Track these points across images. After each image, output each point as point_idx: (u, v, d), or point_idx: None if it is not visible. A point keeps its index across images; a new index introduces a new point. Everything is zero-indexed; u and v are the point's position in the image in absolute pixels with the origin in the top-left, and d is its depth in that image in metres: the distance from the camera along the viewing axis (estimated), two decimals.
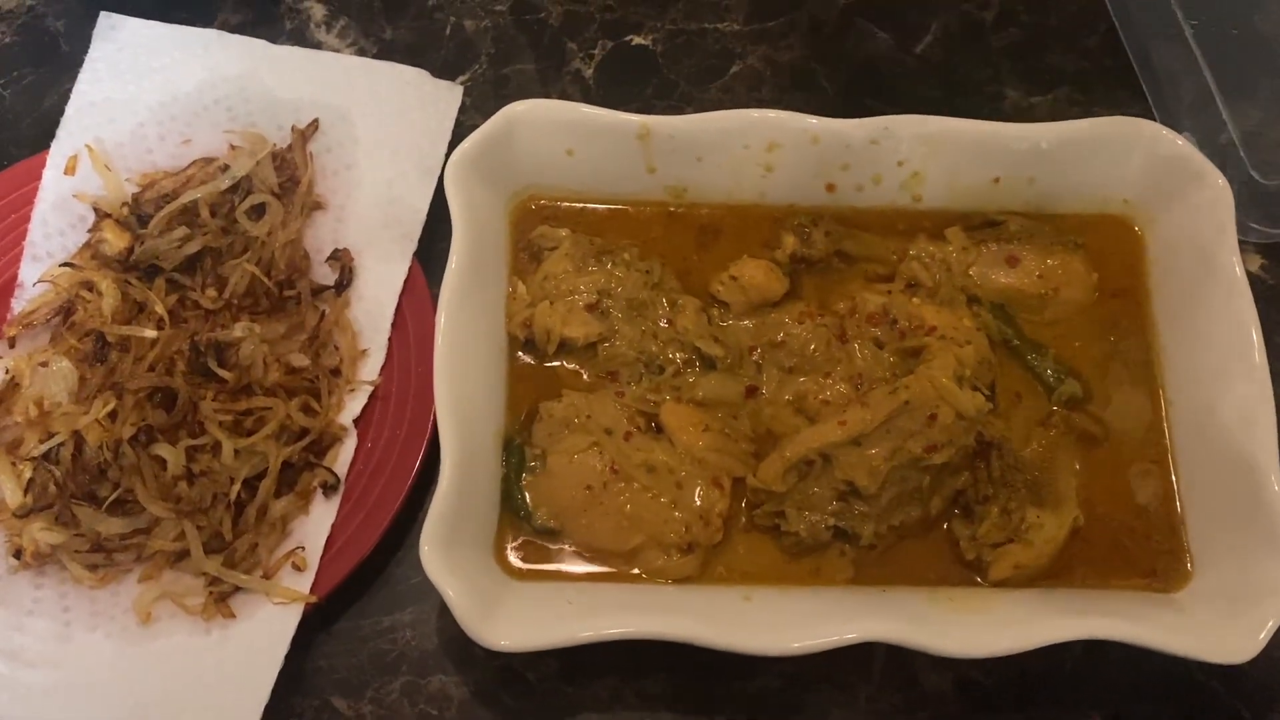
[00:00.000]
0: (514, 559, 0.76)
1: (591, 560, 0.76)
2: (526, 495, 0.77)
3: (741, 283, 0.83)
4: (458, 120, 0.93)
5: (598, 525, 0.76)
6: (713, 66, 1.00)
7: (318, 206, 0.90)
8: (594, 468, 0.76)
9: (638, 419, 0.79)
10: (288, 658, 0.76)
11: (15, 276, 0.87)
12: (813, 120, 0.82)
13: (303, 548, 0.78)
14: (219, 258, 0.86)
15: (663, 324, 0.81)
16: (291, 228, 0.87)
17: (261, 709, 0.73)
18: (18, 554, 0.77)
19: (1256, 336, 0.76)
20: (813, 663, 0.69)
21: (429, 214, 0.89)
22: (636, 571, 0.76)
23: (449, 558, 0.69)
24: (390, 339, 0.85)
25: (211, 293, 0.85)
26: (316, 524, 0.79)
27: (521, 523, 0.76)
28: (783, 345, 0.81)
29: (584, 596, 0.73)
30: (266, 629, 0.76)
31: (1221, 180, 0.80)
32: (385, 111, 0.92)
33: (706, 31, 1.01)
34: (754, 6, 1.02)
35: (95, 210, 0.88)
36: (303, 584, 0.77)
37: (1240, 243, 0.79)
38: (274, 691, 0.76)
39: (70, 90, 0.92)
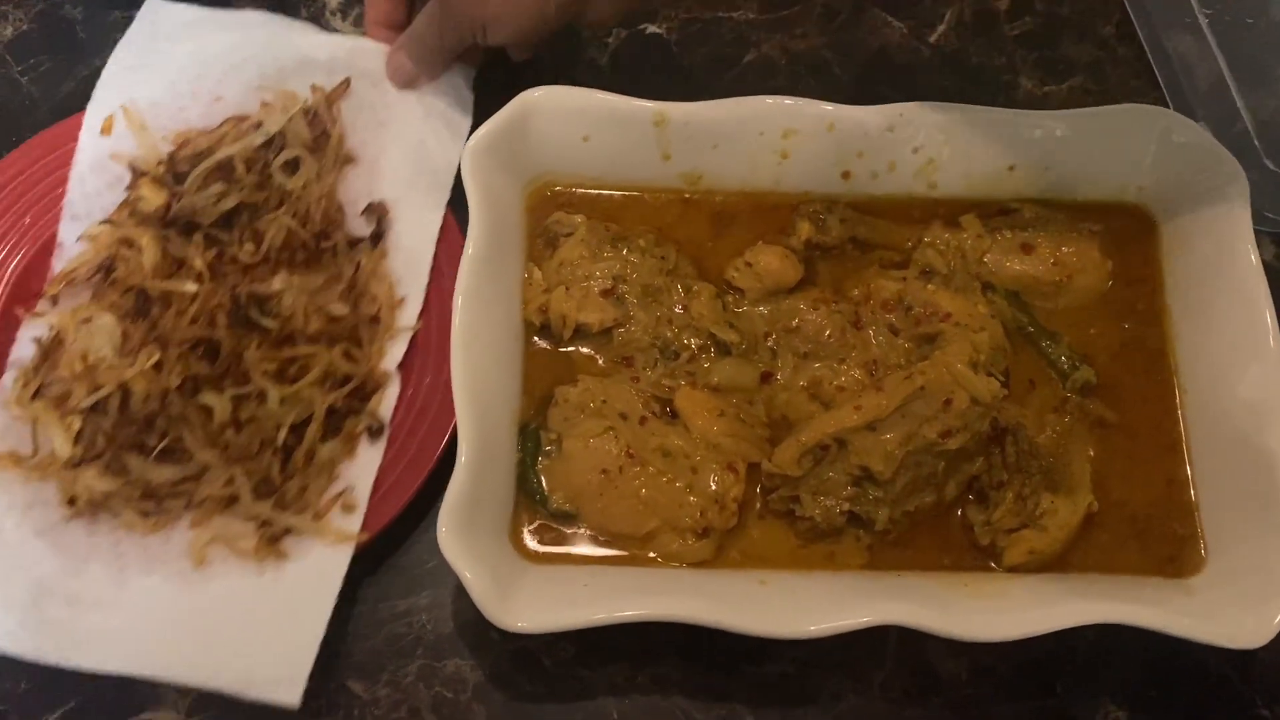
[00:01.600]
0: (530, 542, 0.76)
1: (607, 544, 0.76)
2: (542, 479, 0.77)
3: (756, 269, 0.83)
4: (475, 109, 0.93)
5: (613, 509, 0.76)
6: (727, 55, 1.00)
7: (349, 161, 0.90)
8: (609, 452, 0.76)
9: (653, 404, 0.79)
10: None
11: (55, 236, 0.88)
12: (829, 107, 0.82)
13: (351, 488, 0.79)
14: (255, 213, 0.87)
15: (678, 310, 0.81)
16: (325, 181, 0.88)
17: (317, 645, 0.74)
18: (71, 502, 0.79)
19: (1272, 324, 0.76)
20: (825, 648, 0.69)
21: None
22: (652, 555, 0.76)
23: (466, 541, 0.69)
24: (428, 289, 0.86)
25: (249, 247, 0.86)
26: (363, 467, 0.80)
27: (537, 506, 0.77)
28: (797, 331, 0.81)
29: (599, 579, 0.74)
30: (319, 568, 0.77)
31: (1238, 168, 0.80)
32: None
33: (720, 20, 1.02)
34: None
35: (132, 169, 0.89)
36: (352, 524, 0.78)
37: (1255, 231, 0.79)
38: None
39: (86, 77, 0.93)
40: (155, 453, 0.78)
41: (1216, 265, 0.80)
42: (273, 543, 0.78)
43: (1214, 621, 0.70)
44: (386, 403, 0.82)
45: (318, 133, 0.90)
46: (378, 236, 0.87)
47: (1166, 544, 0.77)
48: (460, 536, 0.69)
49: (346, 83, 0.92)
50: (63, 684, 0.77)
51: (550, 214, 0.85)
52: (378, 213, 0.88)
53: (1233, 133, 0.92)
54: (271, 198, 0.87)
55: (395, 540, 0.81)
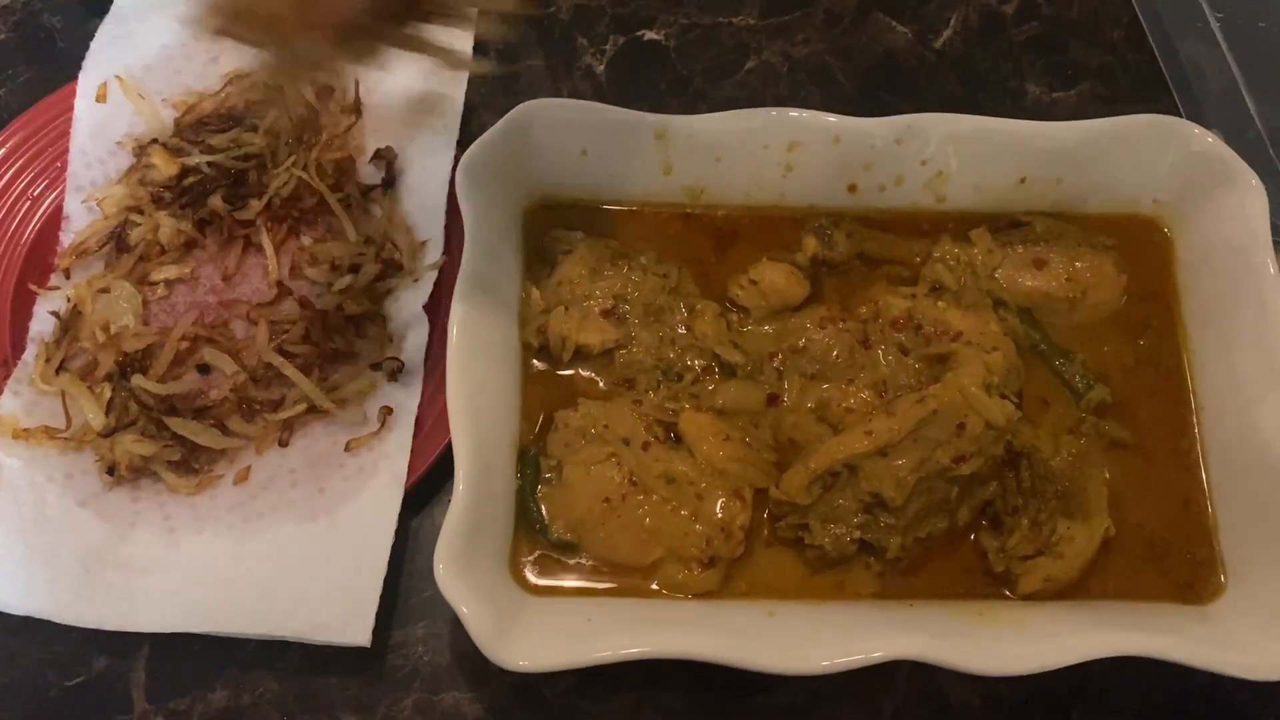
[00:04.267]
0: (530, 574, 0.74)
1: (610, 575, 0.74)
2: (542, 508, 0.75)
3: (761, 287, 0.81)
4: (467, 120, 0.90)
5: (616, 538, 0.74)
6: (728, 62, 0.98)
7: (355, 111, 0.90)
8: (612, 479, 0.74)
9: (656, 428, 0.76)
10: (298, 677, 0.75)
11: (60, 208, 0.87)
12: (834, 119, 0.80)
13: (390, 409, 0.80)
14: (264, 173, 0.87)
15: (680, 330, 0.79)
16: (333, 133, 0.89)
17: (380, 583, 0.74)
18: (111, 470, 0.78)
19: None
20: (837, 677, 0.67)
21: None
22: (656, 586, 0.73)
23: (464, 575, 0.67)
24: (447, 227, 0.85)
25: (254, 203, 0.86)
26: (402, 407, 0.80)
27: (537, 536, 0.74)
28: (804, 351, 0.79)
29: (602, 612, 0.71)
30: (371, 508, 0.77)
31: (1255, 180, 0.78)
32: None
33: (720, 26, 0.99)
34: (769, 0, 1.00)
35: (137, 149, 0.88)
36: (400, 461, 0.78)
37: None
38: (285, 709, 0.75)
39: (66, 88, 0.90)
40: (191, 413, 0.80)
41: (1234, 279, 0.78)
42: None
43: (1234, 651, 0.67)
44: (416, 343, 0.82)
45: (320, 85, 0.90)
46: (390, 183, 0.88)
47: (1185, 569, 0.75)
48: (458, 570, 0.67)
49: None
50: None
51: (548, 231, 0.82)
52: (387, 158, 0.88)
53: (1245, 139, 0.90)
54: (281, 153, 0.88)
55: (390, 566, 0.78)
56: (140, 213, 0.86)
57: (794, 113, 0.80)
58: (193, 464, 0.80)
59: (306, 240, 0.86)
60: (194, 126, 0.89)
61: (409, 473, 0.78)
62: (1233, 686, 0.76)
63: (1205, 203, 0.81)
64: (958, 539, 0.76)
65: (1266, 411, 0.75)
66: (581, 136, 0.80)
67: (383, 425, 0.79)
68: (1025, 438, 0.75)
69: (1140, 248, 0.84)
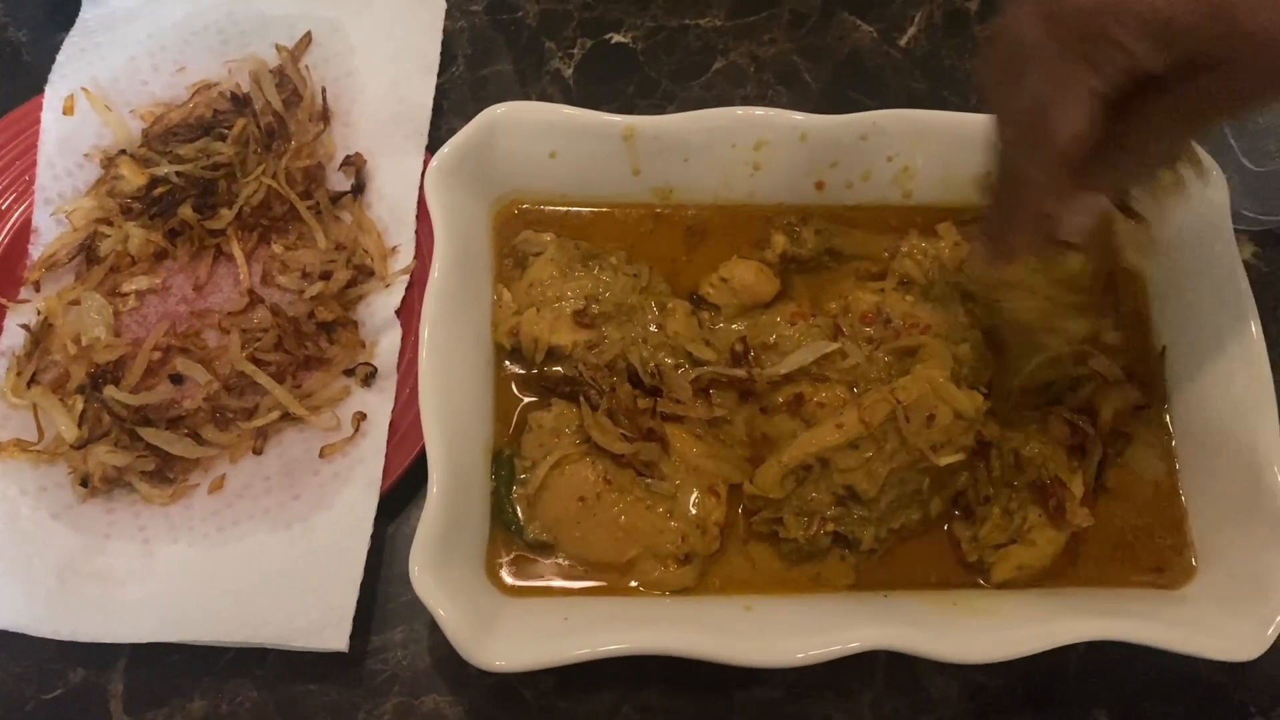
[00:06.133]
0: (506, 575, 0.74)
1: (586, 574, 0.74)
2: (518, 508, 0.75)
3: (731, 284, 0.81)
4: (435, 124, 0.91)
5: (592, 537, 0.74)
6: (695, 63, 0.98)
7: (324, 118, 0.90)
8: (586, 478, 0.74)
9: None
10: (277, 685, 0.75)
11: (28, 221, 0.87)
12: (800, 117, 0.80)
13: (363, 415, 0.80)
14: (233, 181, 0.87)
15: (652, 329, 0.79)
16: (302, 141, 0.89)
17: (357, 588, 0.74)
18: (84, 482, 0.78)
19: (1255, 325, 0.75)
20: (815, 670, 0.68)
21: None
22: (633, 584, 0.74)
23: (440, 578, 0.67)
24: (418, 233, 0.86)
25: (224, 212, 0.86)
26: (376, 412, 0.80)
27: (513, 537, 0.75)
28: (775, 347, 0.79)
29: (580, 611, 0.71)
30: (347, 514, 0.77)
31: (1217, 170, 0.79)
32: (377, 17, 0.93)
33: (687, 28, 0.99)
34: (735, 2, 1.00)
35: (106, 161, 0.88)
36: (374, 466, 0.78)
37: (1234, 231, 0.78)
38: (265, 717, 0.75)
39: (33, 101, 0.90)
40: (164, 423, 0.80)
41: (1199, 268, 0.79)
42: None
43: (1207, 634, 0.68)
44: (389, 348, 0.82)
45: (288, 93, 0.91)
46: (359, 189, 0.88)
47: (1156, 554, 0.76)
48: (434, 573, 0.67)
49: (308, 36, 0.92)
50: None
51: (518, 233, 0.82)
52: (356, 164, 0.88)
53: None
54: (250, 160, 0.88)
55: (367, 571, 0.78)
56: (110, 224, 0.86)
57: (760, 111, 0.80)
58: (167, 474, 0.79)
59: (277, 248, 0.86)
60: (162, 137, 0.89)
61: (384, 477, 0.78)
62: (1206, 668, 0.77)
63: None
64: (931, 529, 0.76)
65: (1230, 397, 0.76)
66: (550, 139, 0.81)
67: (357, 431, 0.79)
68: (995, 427, 0.76)
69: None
